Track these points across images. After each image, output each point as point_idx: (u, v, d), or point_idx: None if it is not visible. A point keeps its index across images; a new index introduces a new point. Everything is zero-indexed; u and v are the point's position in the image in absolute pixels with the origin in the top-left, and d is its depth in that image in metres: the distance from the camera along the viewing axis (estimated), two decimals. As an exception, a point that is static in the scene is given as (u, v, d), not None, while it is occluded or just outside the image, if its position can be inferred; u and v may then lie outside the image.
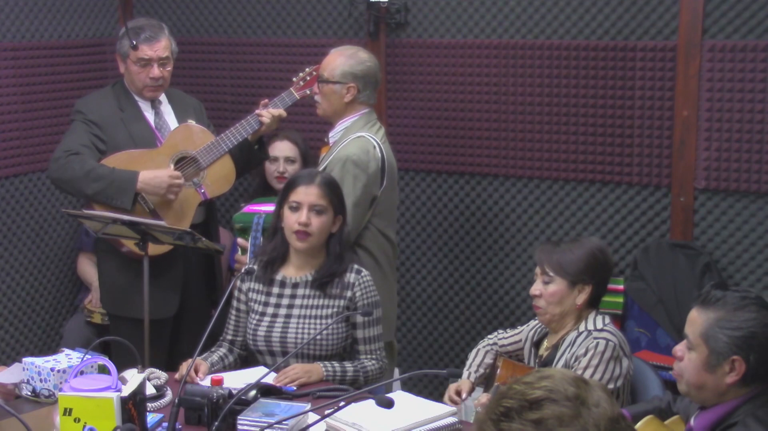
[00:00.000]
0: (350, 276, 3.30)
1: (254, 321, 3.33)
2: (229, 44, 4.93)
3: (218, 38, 4.95)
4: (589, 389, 1.64)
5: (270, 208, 3.95)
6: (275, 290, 3.35)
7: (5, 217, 4.57)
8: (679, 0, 3.95)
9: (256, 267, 3.40)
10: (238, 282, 3.41)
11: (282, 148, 4.38)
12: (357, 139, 3.72)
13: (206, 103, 4.60)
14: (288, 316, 3.31)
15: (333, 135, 3.85)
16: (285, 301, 3.33)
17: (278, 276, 3.36)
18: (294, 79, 4.03)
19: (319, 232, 3.27)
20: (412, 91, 4.54)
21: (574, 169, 4.24)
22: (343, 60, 3.79)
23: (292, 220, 3.27)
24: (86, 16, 4.91)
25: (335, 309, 3.28)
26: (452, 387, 3.15)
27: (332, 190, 3.31)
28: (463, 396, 3.13)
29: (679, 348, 2.45)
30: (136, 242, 3.60)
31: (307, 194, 3.28)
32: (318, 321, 3.27)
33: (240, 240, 4.01)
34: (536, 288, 3.07)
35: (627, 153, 4.13)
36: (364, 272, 3.33)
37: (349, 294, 3.28)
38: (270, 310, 3.33)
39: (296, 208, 3.27)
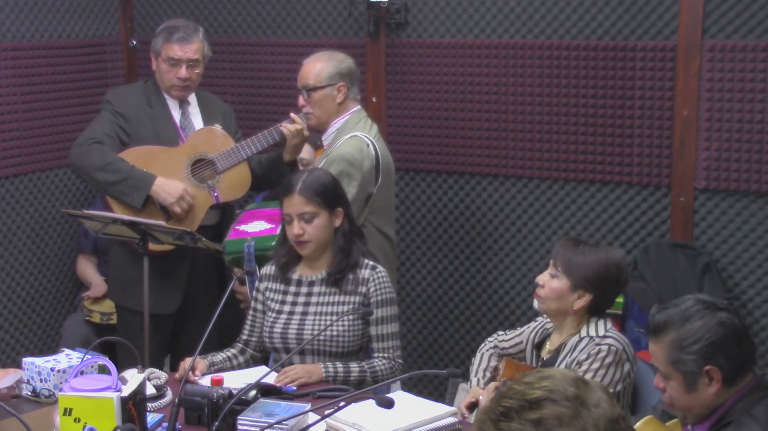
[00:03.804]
0: (365, 272, 3.30)
1: (271, 319, 3.34)
2: (229, 44, 4.93)
3: (218, 38, 4.95)
4: (589, 389, 1.64)
5: (258, 226, 3.94)
6: (292, 288, 3.36)
7: (5, 217, 4.57)
8: (679, 0, 3.95)
9: (266, 266, 3.43)
10: (256, 283, 3.43)
11: (307, 150, 4.34)
12: (350, 139, 3.75)
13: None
14: (304, 314, 3.31)
15: (326, 137, 3.87)
16: (301, 299, 3.34)
17: (295, 275, 3.37)
18: None
19: (317, 237, 3.27)
20: (412, 91, 4.54)
21: (574, 169, 4.24)
22: (324, 64, 3.84)
23: (288, 233, 3.30)
24: (86, 16, 4.91)
25: (350, 306, 3.28)
26: (466, 402, 3.09)
27: (317, 191, 3.26)
28: (481, 400, 3.09)
29: (657, 381, 2.48)
30: (137, 242, 3.60)
31: (291, 205, 3.27)
32: (333, 317, 3.27)
33: (237, 269, 3.99)
34: (541, 277, 3.05)
35: (627, 153, 4.13)
36: (380, 268, 3.32)
37: (363, 290, 3.29)
38: (287, 308, 3.34)
39: (289, 220, 3.29)
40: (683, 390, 2.40)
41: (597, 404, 1.62)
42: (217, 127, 4.04)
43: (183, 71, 3.98)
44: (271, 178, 4.12)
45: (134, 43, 3.96)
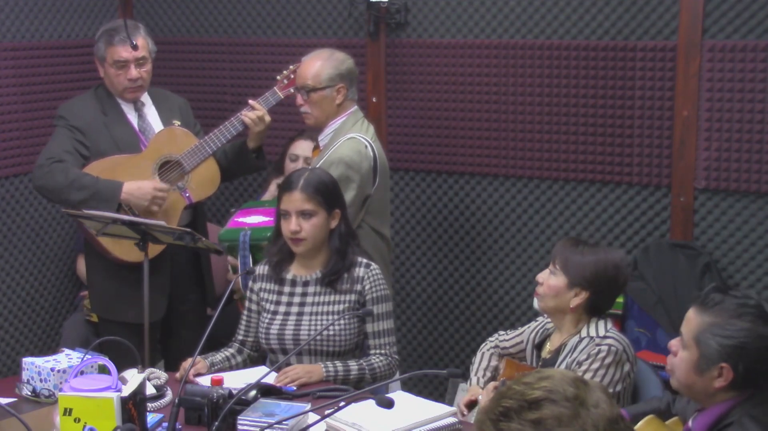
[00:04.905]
0: (359, 271, 3.31)
1: (266, 320, 3.34)
2: (228, 44, 4.93)
3: (218, 38, 4.95)
4: (588, 390, 1.64)
5: (256, 219, 3.94)
6: (287, 289, 3.36)
7: (5, 217, 4.57)
8: (679, 0, 3.95)
9: (259, 266, 3.43)
10: (250, 283, 3.43)
11: (304, 147, 4.34)
12: (348, 141, 3.74)
13: (205, 103, 4.61)
14: (300, 314, 3.31)
15: (322, 138, 3.86)
16: (296, 299, 3.34)
17: (288, 275, 3.37)
18: (278, 78, 4.03)
19: (313, 235, 3.27)
20: (412, 91, 4.54)
21: (574, 169, 4.24)
22: (324, 64, 3.80)
23: (285, 228, 3.29)
24: (86, 16, 4.91)
25: (346, 305, 3.29)
26: (465, 400, 3.10)
27: (318, 190, 3.28)
28: (480, 399, 3.09)
29: (674, 344, 2.48)
30: (136, 242, 3.59)
31: (291, 201, 3.27)
32: (330, 317, 3.28)
33: (230, 258, 3.99)
34: (541, 275, 3.07)
35: (627, 153, 4.13)
36: (374, 266, 3.34)
37: (358, 288, 3.29)
38: (282, 309, 3.34)
39: (286, 216, 3.29)
40: (691, 366, 2.39)
41: (596, 404, 1.62)
42: (177, 125, 4.01)
43: (132, 71, 3.91)
44: (239, 167, 4.12)
45: (134, 43, 3.93)
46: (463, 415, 3.04)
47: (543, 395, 1.60)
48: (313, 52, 3.92)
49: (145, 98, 4.06)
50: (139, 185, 3.81)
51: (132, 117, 4.01)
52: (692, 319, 2.42)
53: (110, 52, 3.91)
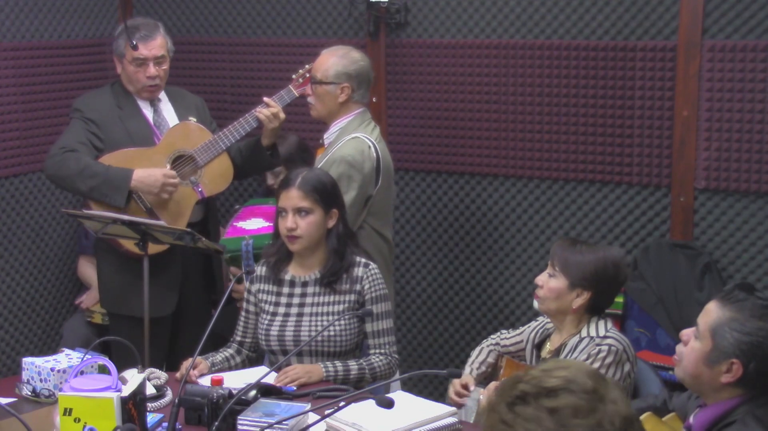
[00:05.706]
0: (358, 270, 3.31)
1: (266, 322, 3.34)
2: (229, 44, 4.93)
3: (218, 38, 4.95)
4: (606, 385, 1.61)
5: (257, 224, 3.94)
6: (285, 290, 3.36)
7: (5, 217, 4.57)
8: (679, 0, 3.95)
9: (256, 267, 3.42)
10: (247, 284, 3.43)
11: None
12: (352, 140, 3.73)
13: (206, 103, 4.59)
14: (300, 315, 3.31)
15: (328, 136, 3.86)
16: (296, 300, 3.34)
17: (287, 276, 3.37)
18: (293, 77, 4.04)
19: (309, 233, 3.27)
20: (412, 91, 4.54)
21: (574, 169, 4.24)
22: (336, 60, 3.81)
23: (281, 226, 3.30)
24: (86, 16, 4.91)
25: (345, 305, 3.29)
26: (457, 383, 3.12)
27: (316, 188, 3.28)
28: (471, 388, 3.11)
29: (687, 333, 2.47)
30: (136, 242, 3.60)
31: (288, 198, 3.28)
32: (329, 317, 3.28)
33: (233, 268, 3.98)
34: (540, 278, 3.07)
35: (627, 153, 4.13)
36: (372, 265, 3.33)
37: (357, 287, 3.29)
38: (281, 310, 3.34)
39: (283, 214, 3.29)
40: (702, 357, 2.39)
41: (614, 401, 1.59)
42: (192, 121, 4.03)
43: (151, 69, 3.94)
44: (253, 165, 4.12)
45: (134, 43, 3.94)
46: (456, 398, 3.05)
47: (561, 384, 1.58)
48: (333, 46, 3.93)
49: (162, 95, 4.09)
50: (149, 173, 3.82)
51: (147, 112, 4.04)
52: (712, 311, 2.41)
53: (130, 50, 3.93)
